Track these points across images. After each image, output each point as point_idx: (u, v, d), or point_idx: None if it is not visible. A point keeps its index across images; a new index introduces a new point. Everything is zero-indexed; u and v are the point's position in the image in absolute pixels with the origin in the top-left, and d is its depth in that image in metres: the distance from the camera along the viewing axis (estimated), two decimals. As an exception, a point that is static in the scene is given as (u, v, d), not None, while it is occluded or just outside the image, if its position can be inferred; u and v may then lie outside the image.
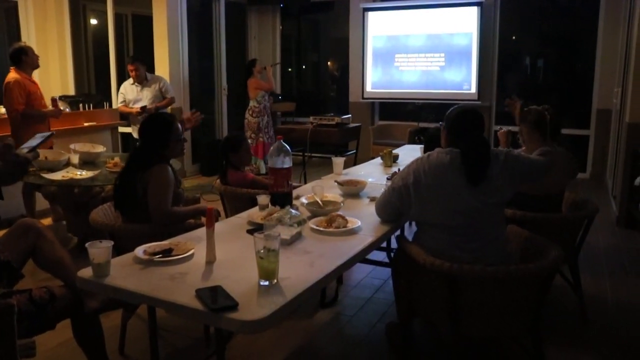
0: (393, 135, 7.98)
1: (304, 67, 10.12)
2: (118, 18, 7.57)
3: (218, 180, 3.66)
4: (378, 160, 4.37)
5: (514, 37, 8.20)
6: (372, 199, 2.98)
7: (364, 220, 2.53)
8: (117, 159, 4.33)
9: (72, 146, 4.61)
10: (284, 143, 2.67)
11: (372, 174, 3.76)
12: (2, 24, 7.27)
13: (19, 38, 6.94)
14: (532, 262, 2.21)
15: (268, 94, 6.99)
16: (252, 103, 6.91)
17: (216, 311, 1.56)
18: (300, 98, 9.39)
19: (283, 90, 9.34)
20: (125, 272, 1.89)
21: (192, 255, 2.03)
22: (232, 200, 3.54)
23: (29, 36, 7.14)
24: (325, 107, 9.27)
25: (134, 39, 7.92)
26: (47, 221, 5.14)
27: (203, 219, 2.73)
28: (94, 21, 7.99)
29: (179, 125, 2.90)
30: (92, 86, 8.09)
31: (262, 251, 1.74)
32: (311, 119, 6.35)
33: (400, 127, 8.16)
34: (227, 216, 3.31)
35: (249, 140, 6.99)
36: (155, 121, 2.93)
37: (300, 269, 1.91)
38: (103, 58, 7.68)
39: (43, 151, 4.18)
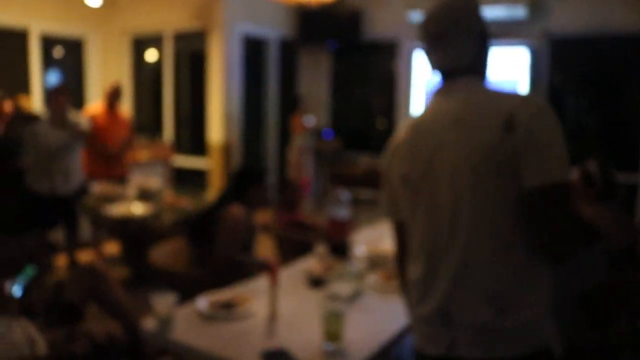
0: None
1: (352, 104, 10.16)
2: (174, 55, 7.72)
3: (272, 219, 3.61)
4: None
5: (562, 82, 7.98)
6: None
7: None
8: (171, 194, 4.37)
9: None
10: (344, 192, 2.63)
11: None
12: (68, 59, 7.50)
13: (82, 74, 7.25)
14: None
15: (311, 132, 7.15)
16: (297, 139, 7.02)
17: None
18: (348, 134, 9.41)
19: (333, 126, 9.38)
20: (188, 326, 1.88)
21: (253, 311, 2.01)
22: (282, 243, 3.49)
23: (93, 72, 7.44)
24: (374, 144, 9.24)
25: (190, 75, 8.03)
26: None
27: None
28: (152, 58, 8.15)
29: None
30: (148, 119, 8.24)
31: (327, 313, 1.71)
32: (363, 159, 6.33)
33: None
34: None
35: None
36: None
37: (363, 330, 1.86)
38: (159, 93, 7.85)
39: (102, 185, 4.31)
